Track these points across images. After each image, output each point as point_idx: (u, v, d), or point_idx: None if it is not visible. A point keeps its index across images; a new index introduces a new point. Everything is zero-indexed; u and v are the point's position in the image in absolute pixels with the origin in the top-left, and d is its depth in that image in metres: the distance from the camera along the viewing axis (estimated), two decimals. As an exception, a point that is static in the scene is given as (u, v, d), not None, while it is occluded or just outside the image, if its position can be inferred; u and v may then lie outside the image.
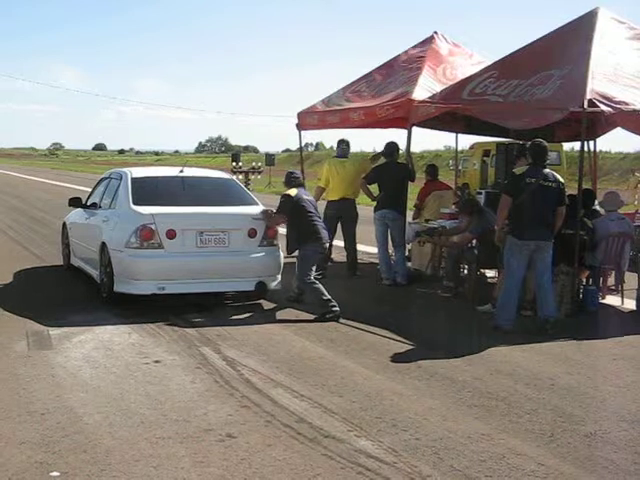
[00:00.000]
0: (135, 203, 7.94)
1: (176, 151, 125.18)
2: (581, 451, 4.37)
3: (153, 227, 7.61)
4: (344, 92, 11.51)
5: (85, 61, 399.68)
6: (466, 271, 9.12)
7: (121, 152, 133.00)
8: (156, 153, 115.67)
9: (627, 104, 7.75)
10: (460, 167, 18.31)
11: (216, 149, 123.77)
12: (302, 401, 5.09)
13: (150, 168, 12.04)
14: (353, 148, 11.38)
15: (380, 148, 10.34)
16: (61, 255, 10.45)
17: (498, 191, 8.44)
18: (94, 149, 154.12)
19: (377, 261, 10.09)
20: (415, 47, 11.35)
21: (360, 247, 10.65)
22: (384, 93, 10.60)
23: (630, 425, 4.82)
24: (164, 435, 4.44)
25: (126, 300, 7.75)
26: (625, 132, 8.39)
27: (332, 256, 10.53)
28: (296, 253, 8.01)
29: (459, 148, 13.68)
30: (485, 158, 19.83)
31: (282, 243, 8.14)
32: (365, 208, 12.12)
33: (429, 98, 9.64)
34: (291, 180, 8.17)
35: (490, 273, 9.45)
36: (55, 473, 3.91)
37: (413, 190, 10.90)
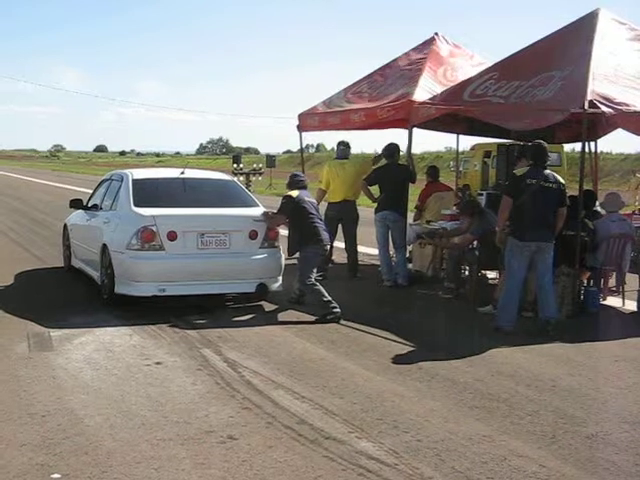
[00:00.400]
0: (136, 205, 7.94)
1: (177, 152, 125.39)
2: (582, 453, 4.37)
3: (154, 229, 7.61)
4: (345, 93, 11.52)
5: (85, 62, 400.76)
6: (467, 272, 9.12)
7: (122, 154, 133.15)
8: (157, 155, 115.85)
9: (628, 105, 7.75)
10: (461, 168, 18.33)
11: (217, 150, 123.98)
12: (303, 403, 5.09)
13: (151, 170, 12.03)
14: (354, 149, 11.40)
15: (381, 149, 10.35)
16: (62, 257, 10.45)
17: (499, 192, 8.44)
18: (95, 151, 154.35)
19: (378, 262, 10.09)
20: (416, 48, 11.34)
21: (361, 249, 10.64)
22: (385, 94, 10.60)
23: (632, 427, 4.81)
24: (165, 437, 4.44)
25: (127, 302, 7.75)
26: (626, 133, 8.39)
27: (333, 258, 10.52)
28: (297, 255, 8.01)
29: (460, 149, 13.68)
30: (486, 159, 19.81)
31: (283, 245, 8.14)
32: (366, 209, 12.12)
33: (430, 99, 9.65)
34: (295, 182, 8.17)
35: (491, 274, 9.44)
36: (56, 475, 3.91)
37: (414, 191, 10.90)
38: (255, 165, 32.74)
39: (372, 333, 7.09)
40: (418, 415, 4.91)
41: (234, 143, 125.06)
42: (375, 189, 9.90)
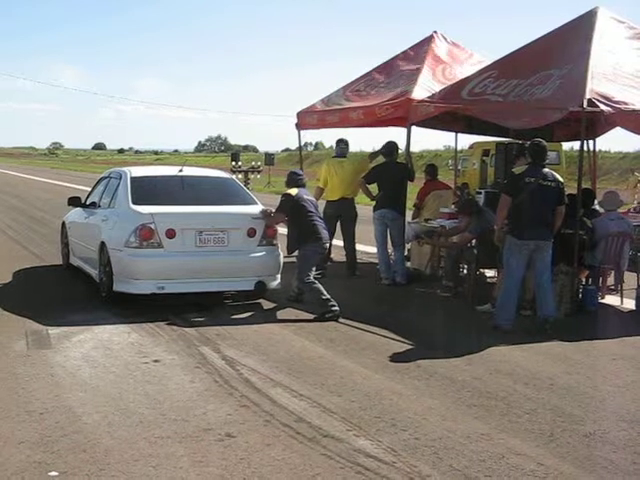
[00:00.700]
0: (134, 202, 7.93)
1: (175, 150, 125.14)
2: (580, 451, 4.37)
3: (152, 226, 7.61)
4: (344, 91, 11.51)
5: (85, 61, 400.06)
6: (465, 271, 9.12)
7: (120, 151, 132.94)
8: (155, 152, 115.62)
9: (626, 104, 7.75)
10: (459, 167, 18.31)
11: (215, 148, 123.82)
12: (301, 400, 5.09)
13: (149, 167, 12.02)
14: (353, 147, 11.39)
15: (379, 147, 10.34)
16: (60, 254, 10.44)
17: (497, 191, 8.44)
18: (94, 148, 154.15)
19: (376, 261, 10.09)
20: (414, 47, 11.34)
21: (359, 247, 10.65)
22: (383, 93, 10.60)
23: (629, 425, 4.82)
24: (163, 435, 4.44)
25: (125, 299, 7.74)
26: (624, 132, 8.40)
27: (331, 256, 10.52)
28: (296, 253, 8.01)
29: (458, 148, 13.69)
30: (484, 158, 19.83)
31: (282, 243, 8.14)
32: (364, 208, 12.12)
33: (428, 98, 9.64)
34: (293, 180, 8.17)
35: (489, 273, 9.44)
36: (54, 473, 3.91)
37: (412, 190, 10.90)
38: (254, 163, 32.75)
39: (371, 331, 7.09)
40: (416, 413, 4.91)
41: (233, 141, 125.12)
42: (374, 187, 9.90)
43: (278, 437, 4.45)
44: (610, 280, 9.04)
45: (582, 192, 8.13)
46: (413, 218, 10.62)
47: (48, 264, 10.63)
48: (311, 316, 7.59)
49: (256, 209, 8.16)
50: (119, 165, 25.19)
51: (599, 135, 10.81)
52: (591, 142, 11.10)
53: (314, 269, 7.96)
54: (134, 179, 8.39)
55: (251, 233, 7.97)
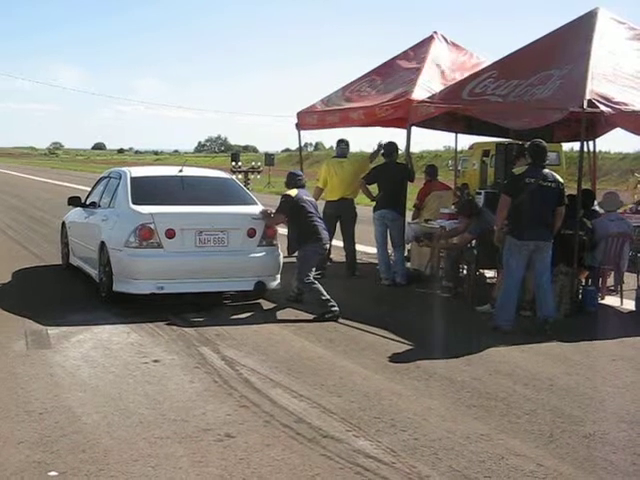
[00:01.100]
0: (134, 202, 7.93)
1: (175, 151, 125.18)
2: (580, 452, 4.37)
3: (152, 226, 7.60)
4: (344, 92, 11.51)
5: (85, 61, 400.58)
6: (465, 271, 9.11)
7: (120, 151, 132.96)
8: (155, 152, 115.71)
9: (626, 104, 7.75)
10: (459, 167, 18.29)
11: (215, 149, 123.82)
12: (301, 401, 5.09)
13: (149, 167, 12.03)
14: (353, 148, 11.40)
15: (376, 147, 10.35)
16: (60, 254, 10.44)
17: (497, 191, 8.44)
18: (93, 148, 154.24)
19: (376, 261, 10.09)
20: (414, 47, 11.35)
21: (359, 247, 10.65)
22: (383, 93, 10.60)
23: (629, 426, 4.82)
24: (162, 435, 4.44)
25: (125, 299, 7.74)
26: (624, 132, 8.40)
27: (331, 256, 10.52)
28: (296, 253, 8.01)
29: (458, 148, 13.68)
30: (484, 158, 19.80)
31: (282, 243, 8.14)
32: (364, 208, 12.12)
33: (428, 98, 9.64)
34: (293, 181, 8.17)
35: (489, 273, 9.44)
36: (53, 473, 3.90)
37: (412, 190, 10.90)
38: (254, 163, 32.72)
39: (370, 332, 7.09)
40: (416, 414, 4.91)
41: (233, 141, 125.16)
42: (374, 188, 9.90)
43: (278, 437, 4.45)
44: (610, 281, 9.04)
45: (582, 193, 8.13)
46: (413, 219, 10.62)
47: (48, 264, 10.63)
48: (311, 316, 7.59)
49: (256, 209, 8.16)
50: (119, 165, 25.21)
51: (599, 136, 10.81)
52: (591, 143, 11.10)
53: (314, 269, 7.96)
54: (134, 179, 8.39)
55: (251, 233, 7.96)
